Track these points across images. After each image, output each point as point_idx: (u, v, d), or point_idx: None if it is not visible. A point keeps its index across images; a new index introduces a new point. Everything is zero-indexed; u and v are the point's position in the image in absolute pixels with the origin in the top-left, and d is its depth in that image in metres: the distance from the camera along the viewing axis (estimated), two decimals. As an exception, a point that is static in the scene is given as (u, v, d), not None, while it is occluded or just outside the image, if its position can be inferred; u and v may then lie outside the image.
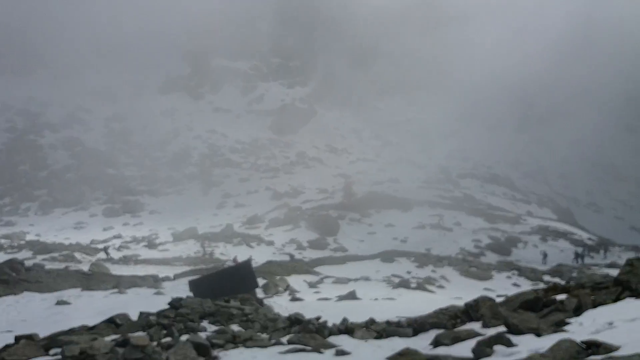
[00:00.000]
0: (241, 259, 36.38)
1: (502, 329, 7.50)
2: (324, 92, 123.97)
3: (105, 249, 42.46)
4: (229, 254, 42.44)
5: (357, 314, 13.10)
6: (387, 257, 33.30)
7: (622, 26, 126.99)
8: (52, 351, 9.47)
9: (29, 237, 53.02)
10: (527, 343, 6.39)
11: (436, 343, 7.87)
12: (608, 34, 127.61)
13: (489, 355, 6.23)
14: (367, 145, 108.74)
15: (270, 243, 46.27)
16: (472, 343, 7.09)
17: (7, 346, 10.07)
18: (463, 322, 9.02)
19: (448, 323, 9.17)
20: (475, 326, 8.37)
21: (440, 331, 8.66)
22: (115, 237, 55.05)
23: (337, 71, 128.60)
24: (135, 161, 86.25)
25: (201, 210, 68.36)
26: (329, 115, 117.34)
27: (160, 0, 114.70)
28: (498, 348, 6.34)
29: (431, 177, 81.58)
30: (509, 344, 6.44)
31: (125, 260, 40.53)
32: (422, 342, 8.52)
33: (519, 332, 6.87)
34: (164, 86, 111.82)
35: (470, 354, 6.67)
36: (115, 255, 42.84)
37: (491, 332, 7.49)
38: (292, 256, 40.52)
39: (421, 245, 44.00)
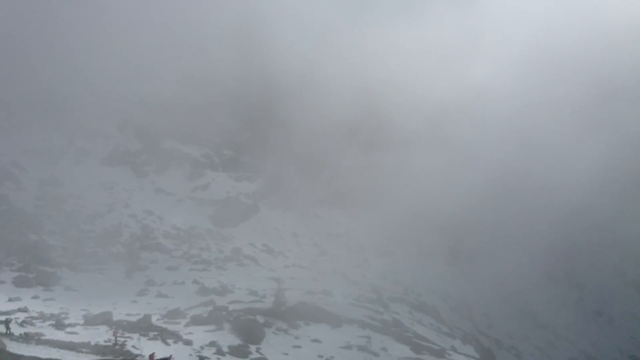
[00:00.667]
0: (158, 356, 33.98)
1: None
2: (270, 192, 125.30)
3: (6, 322, 38.70)
4: (142, 348, 39.56)
5: None
6: (312, 376, 31.97)
7: (550, 178, 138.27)
8: None
9: None
10: None
11: None
12: (536, 183, 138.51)
13: None
14: (304, 252, 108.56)
15: (189, 342, 43.55)
16: None
17: None
18: None
19: None
20: None
21: None
22: (20, 310, 50.67)
23: (285, 174, 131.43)
24: (61, 230, 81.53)
25: (120, 294, 64.36)
26: (271, 215, 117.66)
27: (119, 72, 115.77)
28: None
29: (363, 295, 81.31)
30: None
31: (26, 338, 37.12)
32: None
33: None
34: (108, 158, 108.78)
35: None
36: (17, 330, 39.11)
37: None
38: (201, 358, 37.98)
39: (345, 367, 42.71)
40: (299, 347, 47.43)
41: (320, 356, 45.42)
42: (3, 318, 41.49)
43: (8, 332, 37.61)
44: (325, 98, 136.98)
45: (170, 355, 33.39)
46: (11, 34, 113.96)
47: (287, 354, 45.05)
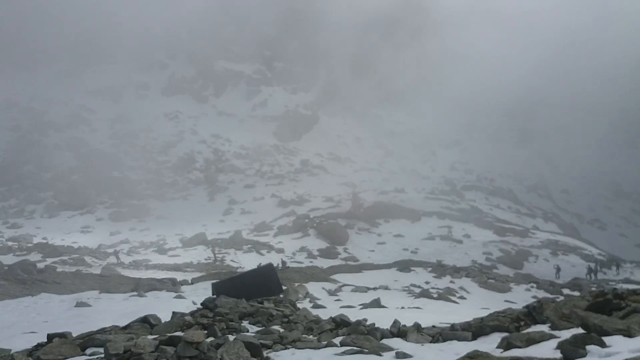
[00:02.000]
0: (252, 266, 36.44)
1: (576, 331, 7.46)
2: (327, 99, 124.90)
3: (116, 253, 42.47)
4: (240, 260, 42.48)
5: (387, 323, 12.52)
6: (404, 266, 33.31)
7: (621, 40, 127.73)
8: (88, 350, 8.93)
9: (36, 240, 52.94)
10: (622, 344, 6.39)
11: (507, 346, 7.68)
12: (606, 48, 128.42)
13: (583, 356, 6.23)
14: (370, 154, 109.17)
15: (280, 251, 46.23)
16: (550, 344, 7.09)
17: (39, 345, 9.64)
18: (527, 325, 8.90)
19: (511, 326, 9.01)
20: (543, 328, 8.31)
21: (504, 334, 8.50)
22: (122, 242, 55.13)
23: (339, 78, 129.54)
24: (140, 164, 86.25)
25: (207, 216, 68.45)
26: (331, 122, 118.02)
27: (163, 1, 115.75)
28: (591, 348, 6.32)
29: (436, 188, 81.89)
30: (602, 344, 6.44)
31: (136, 265, 40.45)
32: (486, 345, 8.21)
33: (603, 333, 6.81)
34: (168, 88, 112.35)
35: (553, 355, 6.66)
36: (126, 259, 42.81)
37: (564, 334, 7.46)
38: (284, 263, 39.09)
39: (432, 256, 44.04)
40: (383, 243, 49.22)
41: (406, 249, 46.99)
42: (112, 250, 45.63)
43: (119, 261, 41.35)
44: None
45: (281, 262, 36.25)
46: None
47: (373, 250, 46.97)
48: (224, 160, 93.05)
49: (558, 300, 13.29)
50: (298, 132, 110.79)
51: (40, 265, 34.08)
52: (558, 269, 39.77)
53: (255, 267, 32.77)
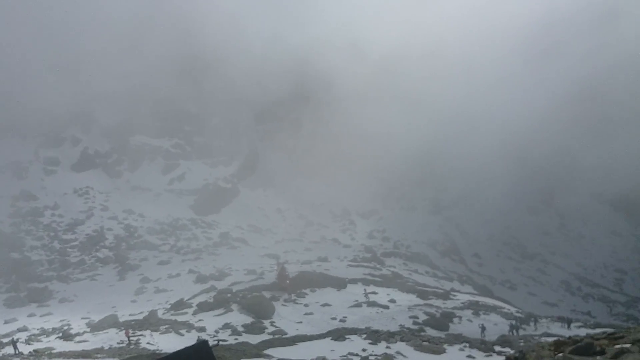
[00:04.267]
0: (170, 348, 33.33)
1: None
2: (248, 173, 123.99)
3: (13, 342, 37.48)
4: (157, 342, 38.93)
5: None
6: (338, 335, 31.97)
7: (505, 116, 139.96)
8: None
9: None
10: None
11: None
12: (493, 123, 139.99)
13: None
14: (291, 225, 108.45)
15: (202, 329, 42.98)
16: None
17: None
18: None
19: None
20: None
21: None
22: (19, 330, 49.47)
23: (260, 153, 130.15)
24: (43, 244, 79.38)
25: (118, 296, 63.35)
26: (252, 195, 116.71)
27: (80, 73, 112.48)
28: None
29: (358, 256, 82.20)
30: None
31: (37, 355, 35.86)
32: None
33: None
34: (79, 163, 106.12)
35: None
36: (25, 349, 37.88)
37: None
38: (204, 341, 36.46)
39: (360, 323, 43.00)
40: (311, 313, 47.48)
41: (334, 318, 45.60)
42: (8, 340, 40.24)
43: (17, 352, 36.47)
44: (268, 65, 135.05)
45: (214, 340, 33.10)
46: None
47: (300, 322, 45.05)
48: (137, 237, 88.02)
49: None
50: (217, 206, 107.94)
51: None
52: (483, 328, 40.24)
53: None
